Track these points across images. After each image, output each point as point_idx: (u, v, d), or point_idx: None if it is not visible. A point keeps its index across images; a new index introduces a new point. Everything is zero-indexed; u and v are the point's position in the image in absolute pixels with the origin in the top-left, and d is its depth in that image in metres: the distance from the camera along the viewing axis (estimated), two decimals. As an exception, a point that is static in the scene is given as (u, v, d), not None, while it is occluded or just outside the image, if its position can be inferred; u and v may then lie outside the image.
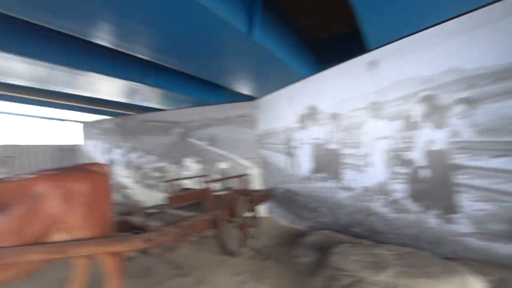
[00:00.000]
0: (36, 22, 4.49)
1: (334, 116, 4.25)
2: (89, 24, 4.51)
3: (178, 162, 7.04)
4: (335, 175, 4.30)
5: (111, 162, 7.73)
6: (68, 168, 2.58)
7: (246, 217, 4.06)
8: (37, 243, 2.07)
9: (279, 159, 5.55)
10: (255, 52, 5.64)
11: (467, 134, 2.84)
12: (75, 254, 2.18)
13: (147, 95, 8.65)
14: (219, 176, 6.30)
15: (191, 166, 6.85)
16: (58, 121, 13.54)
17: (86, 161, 8.13)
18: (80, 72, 6.31)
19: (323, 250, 3.49)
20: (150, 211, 3.79)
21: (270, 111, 5.85)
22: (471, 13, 2.84)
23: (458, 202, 2.95)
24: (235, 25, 4.67)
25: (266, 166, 6.08)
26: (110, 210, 2.59)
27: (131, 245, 2.48)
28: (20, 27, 5.09)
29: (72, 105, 9.52)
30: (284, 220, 5.59)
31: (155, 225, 2.94)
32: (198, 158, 6.79)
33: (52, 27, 4.60)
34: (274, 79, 7.39)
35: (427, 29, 3.22)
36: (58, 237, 2.20)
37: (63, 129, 15.51)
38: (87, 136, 8.53)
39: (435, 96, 3.10)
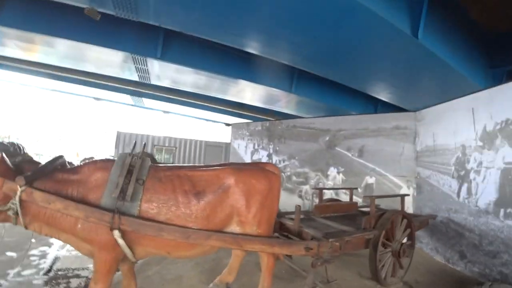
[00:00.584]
0: (203, 37, 5.29)
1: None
2: (241, 34, 5.03)
3: (320, 170, 6.90)
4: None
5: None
6: (249, 164, 2.80)
7: (402, 244, 3.53)
8: (218, 230, 2.26)
9: (444, 182, 4.64)
10: (418, 56, 5.02)
11: None
12: (246, 248, 2.30)
13: (286, 102, 9.03)
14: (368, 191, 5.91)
15: (334, 176, 6.61)
16: (207, 121, 16.03)
17: (232, 157, 9.16)
18: (232, 79, 7.14)
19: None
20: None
21: (437, 125, 4.96)
22: None
23: None
24: (398, 25, 4.27)
25: (423, 188, 5.23)
26: (277, 211, 2.63)
27: (294, 250, 2.49)
28: (188, 43, 6.13)
29: (220, 108, 11.06)
30: (437, 255, 4.67)
31: (311, 233, 2.84)
32: (343, 169, 6.50)
33: (213, 39, 5.38)
34: (436, 87, 6.43)
35: None
36: (232, 228, 2.36)
37: (210, 128, 18.33)
38: (235, 136, 9.32)
39: None
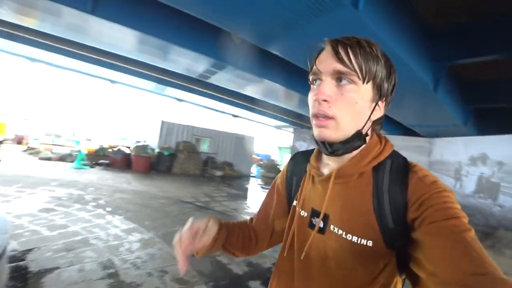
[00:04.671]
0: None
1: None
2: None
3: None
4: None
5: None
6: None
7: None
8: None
9: (445, 180, 8.45)
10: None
11: None
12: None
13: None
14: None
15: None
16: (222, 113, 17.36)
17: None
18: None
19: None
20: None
21: (444, 148, 8.76)
22: None
23: None
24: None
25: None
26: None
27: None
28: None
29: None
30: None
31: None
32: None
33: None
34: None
35: None
36: None
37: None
38: (297, 138, 11.93)
39: None
